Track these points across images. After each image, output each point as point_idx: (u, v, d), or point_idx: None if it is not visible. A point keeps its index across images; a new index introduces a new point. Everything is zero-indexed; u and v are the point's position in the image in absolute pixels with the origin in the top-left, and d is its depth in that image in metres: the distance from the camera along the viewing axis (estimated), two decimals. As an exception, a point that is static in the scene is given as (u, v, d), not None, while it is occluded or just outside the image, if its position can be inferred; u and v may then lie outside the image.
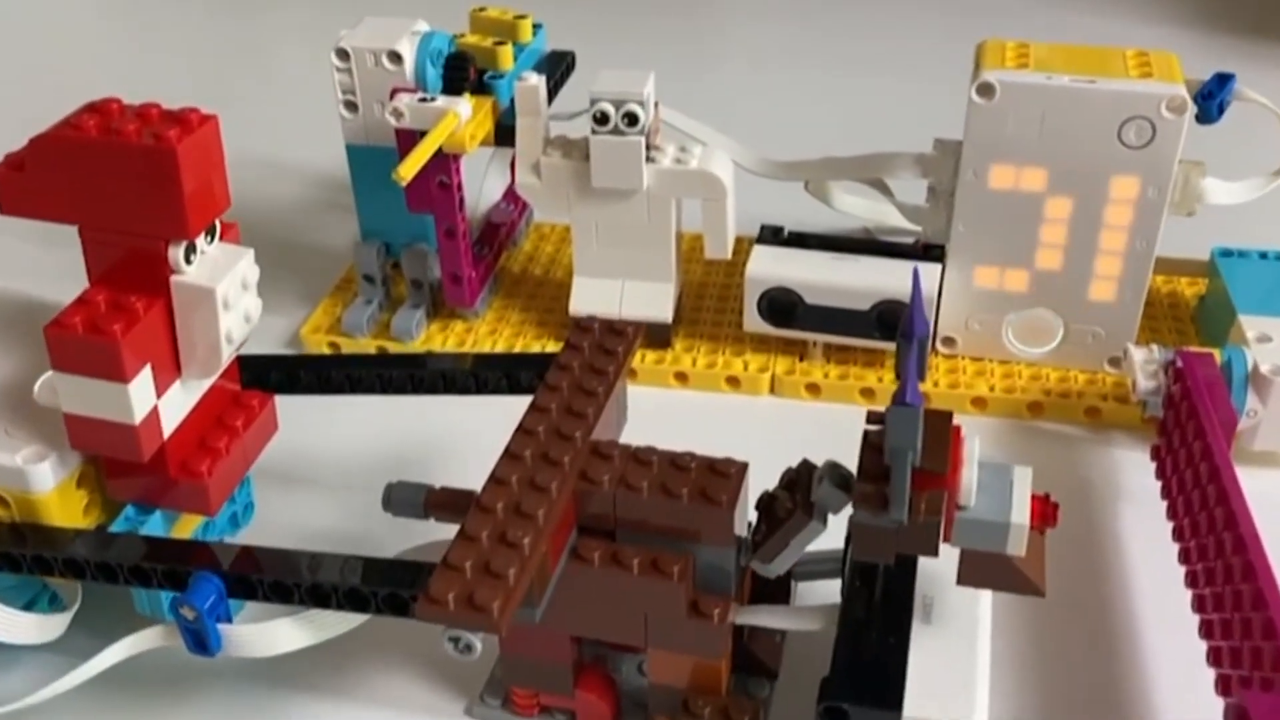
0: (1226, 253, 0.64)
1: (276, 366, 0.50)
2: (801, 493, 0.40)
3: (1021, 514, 0.37)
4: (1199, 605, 0.45)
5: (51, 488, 0.42)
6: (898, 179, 0.61)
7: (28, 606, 0.46)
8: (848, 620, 0.42)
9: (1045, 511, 0.38)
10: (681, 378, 0.63)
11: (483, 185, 0.72)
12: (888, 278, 0.59)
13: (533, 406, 0.43)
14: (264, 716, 0.45)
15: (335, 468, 0.58)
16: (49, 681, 0.43)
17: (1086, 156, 0.56)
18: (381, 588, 0.39)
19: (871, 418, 0.40)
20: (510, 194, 0.74)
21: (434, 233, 0.64)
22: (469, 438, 0.58)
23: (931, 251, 0.61)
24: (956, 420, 0.38)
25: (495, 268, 0.70)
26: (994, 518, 0.37)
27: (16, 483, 0.42)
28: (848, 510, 0.38)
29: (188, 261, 0.40)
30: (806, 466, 0.41)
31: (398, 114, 0.58)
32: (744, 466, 0.41)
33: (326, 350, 0.67)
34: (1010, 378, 0.62)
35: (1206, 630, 0.44)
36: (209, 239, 0.41)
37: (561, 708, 0.45)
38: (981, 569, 0.38)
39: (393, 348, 0.66)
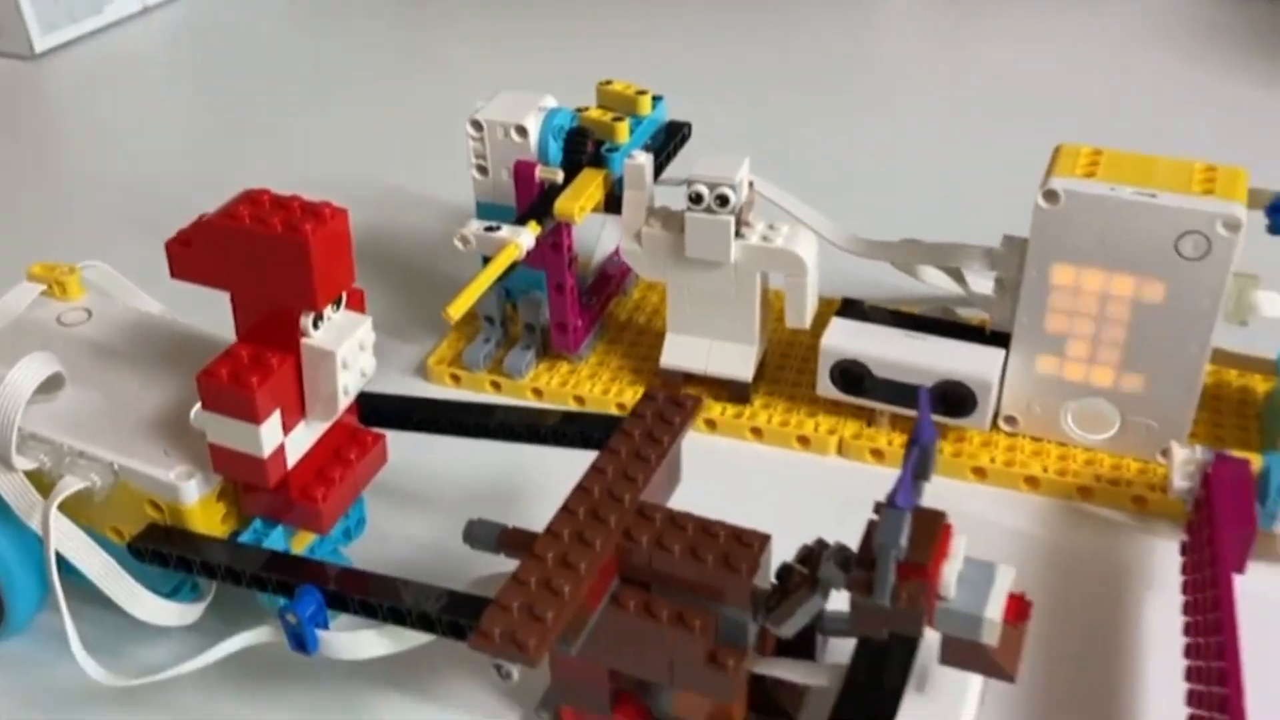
0: (1295, 356, 0.66)
1: (393, 406, 0.59)
2: (811, 568, 0.46)
3: (996, 610, 0.42)
4: (1188, 699, 0.49)
5: (196, 500, 0.51)
6: (969, 269, 0.66)
7: (174, 591, 0.55)
8: (849, 681, 0.47)
9: (1019, 609, 0.43)
10: (756, 432, 0.69)
11: (600, 237, 0.80)
12: (951, 360, 0.64)
13: (593, 468, 0.50)
14: (349, 703, 0.54)
15: (440, 490, 0.66)
16: (187, 654, 0.52)
17: (1145, 264, 0.59)
18: (446, 616, 0.46)
19: (878, 507, 0.45)
20: (624, 246, 0.81)
21: (547, 284, 0.72)
22: (550, 479, 0.64)
23: (998, 336, 0.65)
24: (950, 519, 0.44)
25: (602, 315, 0.77)
26: (970, 610, 0.42)
27: (169, 495, 0.51)
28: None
29: (315, 327, 0.49)
30: (820, 544, 0.46)
31: (464, 240, 0.63)
32: (766, 538, 0.47)
33: (448, 380, 0.75)
34: (1065, 460, 0.65)
35: (1193, 724, 0.48)
36: (335, 307, 0.50)
37: (601, 727, 0.52)
38: (959, 652, 0.43)
39: (504, 383, 0.74)
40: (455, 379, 0.75)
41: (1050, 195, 0.60)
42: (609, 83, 0.75)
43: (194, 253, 0.48)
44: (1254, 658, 0.54)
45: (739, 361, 0.70)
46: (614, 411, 0.72)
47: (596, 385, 0.73)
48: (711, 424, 0.70)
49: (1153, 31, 1.24)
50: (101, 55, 1.31)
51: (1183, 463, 0.58)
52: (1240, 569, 0.56)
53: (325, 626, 0.48)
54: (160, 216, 0.95)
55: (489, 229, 0.63)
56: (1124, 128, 1.02)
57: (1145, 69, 1.16)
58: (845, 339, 0.66)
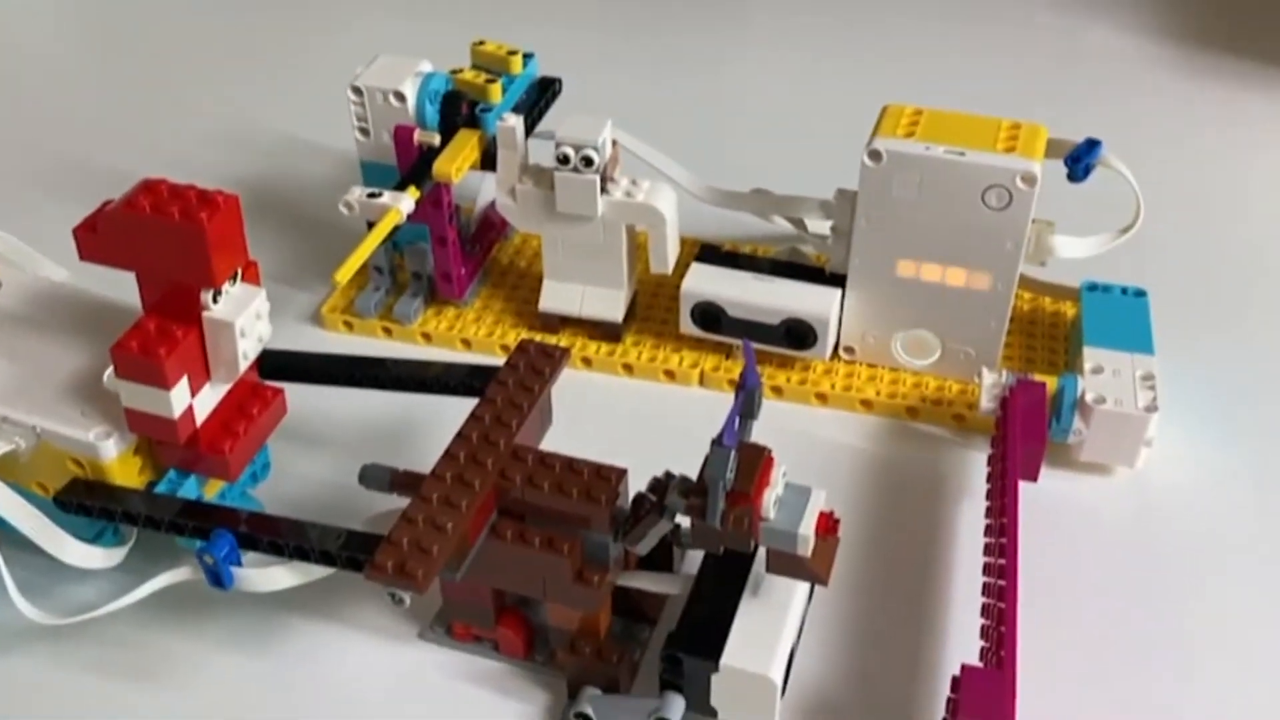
0: (1093, 286, 0.75)
1: (291, 361, 0.64)
2: (660, 495, 0.53)
3: (808, 526, 0.50)
4: (983, 590, 0.58)
5: (114, 456, 0.57)
6: (809, 217, 0.74)
7: (97, 537, 0.61)
8: (696, 589, 0.56)
9: (828, 525, 0.51)
10: (628, 368, 0.77)
11: (482, 186, 0.85)
12: (794, 300, 0.72)
13: (471, 415, 0.57)
14: (265, 629, 0.61)
15: (337, 434, 0.72)
16: (115, 593, 0.59)
17: (957, 214, 0.67)
18: (345, 552, 0.53)
19: (714, 442, 0.53)
20: (504, 194, 0.86)
21: (430, 238, 0.78)
22: (437, 420, 0.71)
23: (835, 277, 0.73)
24: (774, 451, 0.52)
25: (485, 261, 0.84)
26: (787, 528, 0.50)
27: (89, 452, 0.57)
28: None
29: (215, 301, 0.54)
30: (668, 476, 0.54)
31: (349, 207, 0.67)
32: (623, 472, 0.55)
33: (341, 327, 0.81)
34: (896, 384, 0.74)
35: (984, 611, 0.57)
36: (232, 282, 0.55)
37: (488, 638, 0.59)
38: (782, 562, 0.52)
39: (395, 329, 0.80)
40: (348, 325, 0.81)
41: (874, 155, 0.67)
42: (482, 43, 0.80)
43: (100, 238, 0.53)
44: (1039, 549, 0.64)
45: (610, 304, 0.77)
46: (498, 353, 0.78)
47: (481, 328, 0.79)
48: (588, 361, 0.77)
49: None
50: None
51: (990, 386, 0.67)
52: (1033, 478, 0.66)
53: (239, 564, 0.55)
54: (59, 174, 0.98)
55: (371, 195, 0.68)
56: (960, 81, 1.10)
57: (990, 20, 1.24)
58: (703, 282, 0.74)
